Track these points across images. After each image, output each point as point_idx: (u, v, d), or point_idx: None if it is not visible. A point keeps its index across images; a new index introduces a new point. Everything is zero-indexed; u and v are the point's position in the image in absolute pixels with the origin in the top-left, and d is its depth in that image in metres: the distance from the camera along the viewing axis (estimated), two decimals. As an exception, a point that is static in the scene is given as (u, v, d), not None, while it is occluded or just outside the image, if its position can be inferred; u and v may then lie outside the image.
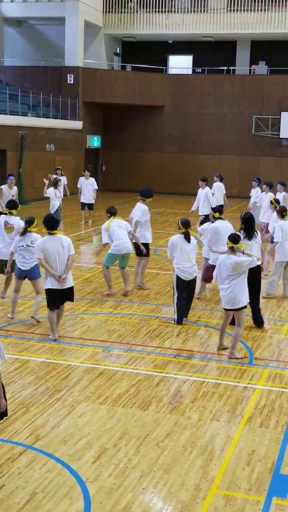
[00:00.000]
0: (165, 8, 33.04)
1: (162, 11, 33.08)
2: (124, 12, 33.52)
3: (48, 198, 18.58)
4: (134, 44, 35.32)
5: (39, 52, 33.99)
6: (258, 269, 9.91)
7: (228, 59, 34.30)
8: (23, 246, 9.92)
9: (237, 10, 32.09)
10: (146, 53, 35.07)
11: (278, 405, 7.34)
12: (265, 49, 33.47)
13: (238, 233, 9.40)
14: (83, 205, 21.10)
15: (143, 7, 33.42)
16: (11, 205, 11.05)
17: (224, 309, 8.87)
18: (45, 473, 5.73)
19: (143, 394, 7.50)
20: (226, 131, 32.50)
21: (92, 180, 21.21)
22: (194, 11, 32.71)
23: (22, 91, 27.69)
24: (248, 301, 8.94)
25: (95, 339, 9.53)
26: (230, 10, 32.25)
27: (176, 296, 10.26)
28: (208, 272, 11.07)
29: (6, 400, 5.45)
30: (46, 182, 18.84)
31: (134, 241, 11.98)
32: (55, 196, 18.34)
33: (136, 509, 5.25)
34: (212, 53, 34.34)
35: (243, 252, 8.74)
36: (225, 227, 10.75)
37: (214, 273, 9.03)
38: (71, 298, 9.47)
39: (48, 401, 7.24)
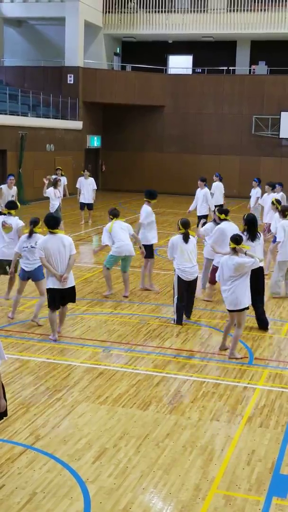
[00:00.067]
0: (165, 8, 33.04)
1: (162, 11, 33.08)
2: (124, 12, 33.52)
3: (48, 198, 18.61)
4: (134, 44, 35.32)
5: (39, 52, 33.99)
6: (261, 270, 9.90)
7: (228, 59, 34.30)
8: (27, 247, 9.88)
9: (237, 10, 32.09)
10: (146, 53, 35.08)
11: (278, 405, 7.34)
12: (265, 49, 33.48)
13: (241, 234, 9.40)
14: (83, 205, 21.06)
15: (143, 7, 33.42)
16: (10, 205, 11.03)
17: (228, 310, 8.87)
18: (45, 473, 5.73)
19: (143, 394, 7.50)
20: (226, 131, 32.51)
21: (91, 180, 21.19)
22: (194, 11, 32.71)
23: (22, 91, 27.68)
24: (250, 302, 8.93)
25: (95, 339, 9.53)
26: (230, 10, 32.25)
27: (176, 296, 10.26)
28: (214, 274, 11.08)
29: (6, 400, 5.45)
30: (46, 182, 18.85)
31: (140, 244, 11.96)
32: (54, 196, 18.36)
33: (136, 509, 5.25)
34: (212, 53, 34.34)
35: (245, 253, 8.73)
36: (231, 228, 10.74)
37: (217, 274, 9.01)
38: (73, 299, 9.46)
39: (48, 401, 7.24)
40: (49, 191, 18.38)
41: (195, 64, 35.67)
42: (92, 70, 32.07)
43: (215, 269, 11.18)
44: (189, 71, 35.30)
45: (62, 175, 20.16)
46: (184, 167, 32.34)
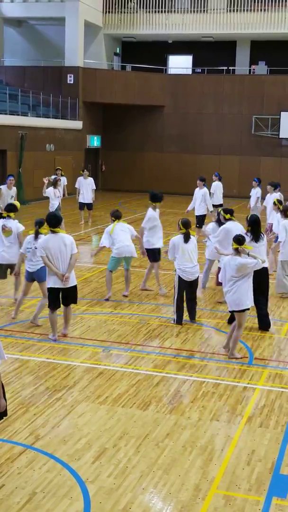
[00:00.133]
0: (165, 8, 33.05)
1: (162, 11, 33.08)
2: (124, 12, 33.52)
3: (47, 197, 18.61)
4: (134, 44, 35.32)
5: (39, 52, 33.99)
6: (266, 271, 9.87)
7: (228, 59, 34.31)
8: (31, 248, 9.83)
9: (237, 10, 32.09)
10: (146, 53, 35.08)
11: (278, 405, 7.33)
12: (265, 49, 33.48)
13: (244, 235, 9.38)
14: (82, 205, 20.98)
15: (143, 7, 33.43)
16: (10, 208, 10.90)
17: (229, 311, 8.85)
18: (45, 473, 5.73)
19: (143, 394, 7.50)
20: (226, 131, 32.51)
21: (90, 180, 21.14)
22: (194, 11, 32.72)
23: (22, 91, 27.69)
24: (252, 304, 8.91)
25: (95, 339, 9.53)
26: (230, 10, 32.26)
27: (176, 296, 10.24)
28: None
29: (5, 400, 5.45)
30: (46, 181, 18.84)
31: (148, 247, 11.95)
32: (54, 196, 18.37)
33: (135, 509, 5.24)
34: (212, 53, 34.35)
35: (248, 254, 8.71)
36: (236, 228, 10.73)
37: (220, 275, 8.98)
38: (74, 299, 9.44)
39: (48, 401, 7.24)
40: (49, 191, 18.38)
41: (195, 64, 35.67)
42: (92, 70, 32.08)
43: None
44: (189, 71, 35.31)
45: (62, 175, 20.15)
46: (184, 167, 32.34)
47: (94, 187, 21.15)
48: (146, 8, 33.34)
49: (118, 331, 9.91)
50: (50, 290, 9.19)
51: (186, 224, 10.26)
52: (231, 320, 9.53)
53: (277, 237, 12.50)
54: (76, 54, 31.04)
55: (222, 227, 10.99)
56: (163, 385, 7.83)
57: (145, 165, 33.43)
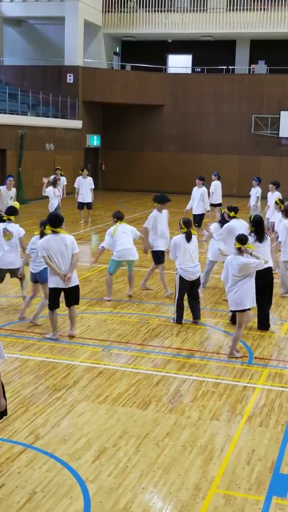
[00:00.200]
0: (164, 7, 33.05)
1: (161, 11, 33.09)
2: (124, 12, 33.52)
3: (47, 197, 18.60)
4: (133, 43, 35.31)
5: (38, 51, 33.98)
6: (270, 270, 9.86)
7: (227, 58, 34.32)
8: (35, 248, 9.80)
9: (236, 9, 32.09)
10: (145, 53, 35.09)
11: (278, 405, 7.33)
12: (265, 48, 33.49)
13: (248, 235, 9.37)
14: (81, 205, 20.93)
15: (143, 7, 33.43)
16: (11, 212, 10.78)
17: (230, 310, 8.85)
18: (45, 472, 5.73)
19: (143, 394, 7.50)
20: (226, 130, 32.51)
21: (89, 179, 21.11)
22: (193, 10, 32.72)
23: (21, 91, 27.70)
24: (254, 304, 8.89)
25: (95, 338, 9.52)
26: (230, 10, 32.25)
27: (177, 296, 10.22)
28: None
29: (5, 399, 5.45)
30: (45, 181, 18.83)
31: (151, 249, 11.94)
32: (53, 195, 18.36)
33: (135, 508, 5.25)
34: (212, 52, 34.35)
35: (251, 254, 8.70)
36: (240, 225, 10.72)
37: (222, 275, 8.96)
38: (76, 300, 9.42)
39: (47, 400, 7.24)
40: (49, 190, 18.38)
41: (194, 63, 35.68)
42: (91, 69, 32.07)
43: None
44: (189, 71, 35.31)
45: (61, 175, 20.14)
46: (184, 166, 32.33)
47: (93, 187, 21.13)
48: (146, 7, 33.34)
49: (118, 330, 9.91)
50: (52, 290, 9.18)
51: (187, 223, 10.23)
52: (234, 319, 9.53)
53: (277, 237, 12.51)
54: (75, 53, 31.04)
55: (226, 225, 11.00)
56: (163, 384, 7.83)
57: (145, 164, 33.44)
